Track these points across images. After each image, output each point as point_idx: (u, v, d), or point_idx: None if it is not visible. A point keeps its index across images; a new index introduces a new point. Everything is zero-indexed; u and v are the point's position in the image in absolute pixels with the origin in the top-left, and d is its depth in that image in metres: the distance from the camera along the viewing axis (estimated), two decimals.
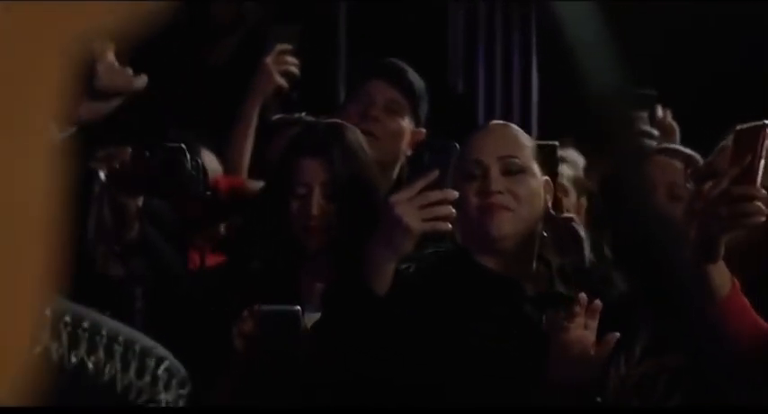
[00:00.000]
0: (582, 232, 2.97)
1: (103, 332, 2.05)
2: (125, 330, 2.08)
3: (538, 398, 2.42)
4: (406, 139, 3.22)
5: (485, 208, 2.52)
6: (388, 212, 2.38)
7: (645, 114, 3.95)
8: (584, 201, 3.55)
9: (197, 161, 3.16)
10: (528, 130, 5.58)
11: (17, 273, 0.54)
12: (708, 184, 2.36)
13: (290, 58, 3.82)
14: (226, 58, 4.44)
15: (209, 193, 3.29)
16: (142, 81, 2.45)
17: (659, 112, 4.04)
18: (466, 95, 5.75)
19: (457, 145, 2.51)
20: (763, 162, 2.31)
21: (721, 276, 2.31)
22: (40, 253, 0.54)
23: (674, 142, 3.85)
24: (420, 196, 2.38)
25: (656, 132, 3.96)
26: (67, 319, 1.97)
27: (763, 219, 2.29)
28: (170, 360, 2.18)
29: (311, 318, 2.57)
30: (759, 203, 2.27)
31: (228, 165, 3.68)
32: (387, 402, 2.41)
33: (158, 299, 3.03)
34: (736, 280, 2.34)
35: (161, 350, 2.19)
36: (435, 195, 2.39)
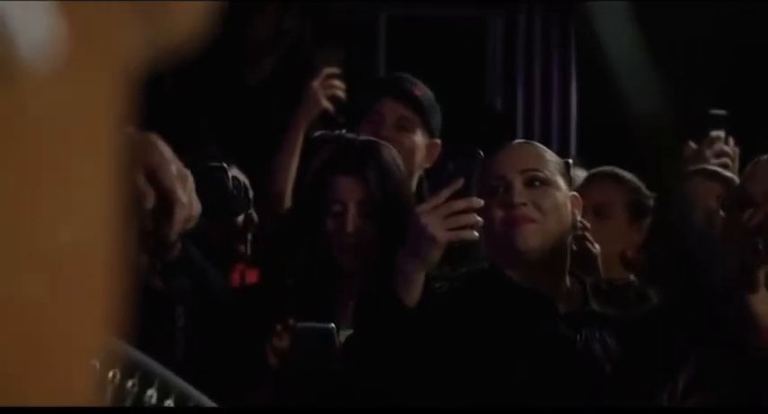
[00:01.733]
0: (595, 249, 2.98)
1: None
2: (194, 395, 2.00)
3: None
4: (421, 153, 3.27)
5: (509, 221, 2.52)
6: (414, 222, 2.41)
7: (721, 134, 3.88)
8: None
9: (239, 180, 3.18)
10: (567, 149, 5.61)
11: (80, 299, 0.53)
12: (746, 213, 2.36)
13: (337, 82, 3.84)
14: (265, 77, 4.47)
15: (250, 212, 3.31)
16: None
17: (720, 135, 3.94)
18: (505, 113, 5.77)
19: (481, 153, 2.52)
20: None
21: (763, 305, 2.31)
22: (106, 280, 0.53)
23: (733, 167, 3.79)
24: (445, 205, 2.40)
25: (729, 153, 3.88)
26: (135, 381, 1.87)
27: None
28: None
29: (346, 335, 2.58)
30: None
31: (274, 187, 3.70)
32: (414, 411, 2.42)
33: (200, 317, 3.05)
34: None
35: None
36: (460, 204, 2.40)
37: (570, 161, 2.96)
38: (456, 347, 2.45)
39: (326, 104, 3.80)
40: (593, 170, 3.40)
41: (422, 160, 3.26)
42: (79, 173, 0.51)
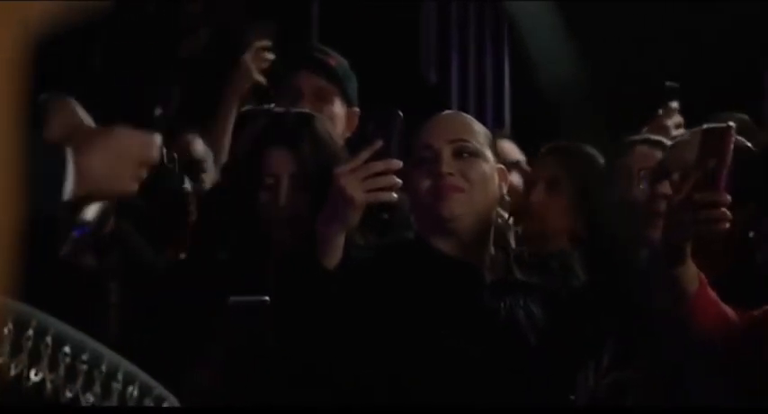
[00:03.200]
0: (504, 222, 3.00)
1: (103, 368, 1.94)
2: (123, 364, 2.00)
3: (493, 386, 2.44)
4: (341, 123, 3.27)
5: (436, 190, 2.53)
6: (333, 184, 2.41)
7: (675, 105, 3.92)
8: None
9: (173, 155, 3.16)
10: (501, 122, 5.63)
11: None
12: (672, 185, 2.37)
13: (269, 55, 3.83)
14: (198, 50, 4.44)
15: (184, 186, 3.29)
16: None
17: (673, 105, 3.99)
18: (439, 86, 5.77)
19: (400, 113, 2.52)
20: (727, 166, 2.29)
21: (688, 274, 2.33)
22: None
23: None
24: (363, 167, 2.41)
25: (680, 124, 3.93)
26: (48, 340, 1.86)
27: (728, 225, 2.29)
28: (169, 400, 2.14)
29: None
30: (723, 209, 2.28)
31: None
32: (339, 380, 2.42)
33: (133, 293, 3.03)
34: (702, 275, 2.35)
35: (162, 390, 2.13)
36: (378, 166, 2.41)
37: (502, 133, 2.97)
38: (380, 315, 2.46)
39: (258, 77, 3.79)
40: (550, 144, 3.41)
41: (342, 130, 3.27)
42: None
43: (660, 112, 3.90)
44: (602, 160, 3.30)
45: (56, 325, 1.87)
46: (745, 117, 3.82)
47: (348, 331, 2.44)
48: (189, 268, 2.95)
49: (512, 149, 4.23)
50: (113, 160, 1.88)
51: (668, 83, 3.94)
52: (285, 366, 2.49)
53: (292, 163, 2.72)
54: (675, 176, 2.51)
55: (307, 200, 2.70)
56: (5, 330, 1.68)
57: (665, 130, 3.73)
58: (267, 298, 2.54)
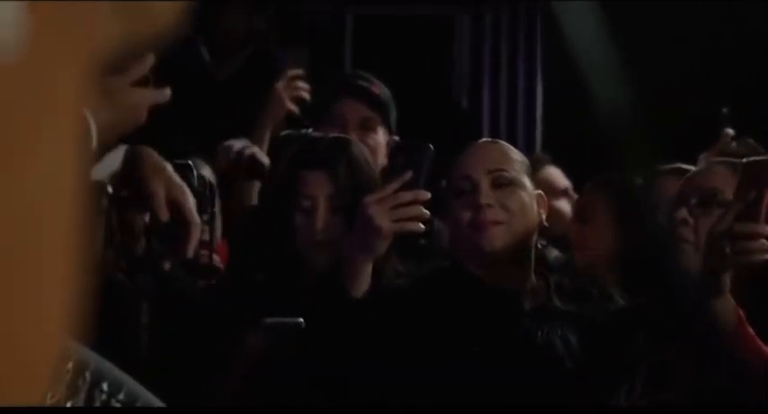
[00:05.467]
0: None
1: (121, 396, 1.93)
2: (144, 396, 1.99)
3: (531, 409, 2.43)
4: (383, 151, 3.28)
5: (476, 222, 2.53)
6: (361, 213, 2.42)
7: (730, 131, 3.89)
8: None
9: (204, 178, 3.17)
10: (532, 147, 5.62)
11: (38, 285, 0.52)
12: (712, 215, 2.37)
13: (301, 84, 3.84)
14: (232, 74, 4.46)
15: (215, 210, 3.29)
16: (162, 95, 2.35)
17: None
18: (471, 111, 5.77)
19: (431, 146, 2.54)
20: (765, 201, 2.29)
21: (727, 308, 2.32)
22: (66, 269, 0.53)
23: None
24: (391, 197, 2.42)
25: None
26: (87, 376, 1.86)
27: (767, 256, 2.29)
28: None
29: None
30: (764, 241, 2.27)
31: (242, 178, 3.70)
32: (369, 404, 2.42)
33: (165, 314, 3.04)
34: (741, 311, 2.34)
35: None
36: (406, 196, 2.42)
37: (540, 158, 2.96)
38: (416, 342, 2.45)
39: (291, 106, 3.80)
40: (596, 176, 3.42)
41: (383, 159, 3.28)
42: (43, 164, 0.51)
43: (723, 137, 3.87)
44: (645, 191, 3.29)
45: (98, 362, 1.87)
46: (752, 141, 3.81)
47: (381, 359, 2.43)
48: (224, 291, 2.95)
49: (558, 176, 4.22)
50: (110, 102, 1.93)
51: (724, 109, 3.92)
52: (313, 393, 2.49)
53: (329, 186, 2.73)
54: (694, 201, 2.52)
55: (342, 224, 2.70)
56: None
57: (725, 155, 3.71)
58: (301, 319, 2.55)
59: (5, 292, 0.50)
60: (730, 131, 3.89)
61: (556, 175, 4.22)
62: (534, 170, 2.87)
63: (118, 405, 1.85)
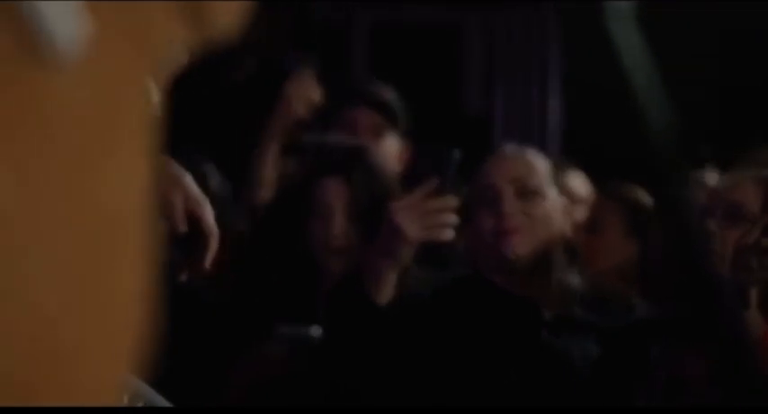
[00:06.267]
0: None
1: None
2: None
3: None
4: (395, 157, 3.27)
5: (499, 231, 2.51)
6: (387, 220, 2.40)
7: None
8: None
9: (218, 184, 3.15)
10: (545, 153, 5.58)
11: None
12: (739, 229, 2.35)
13: (312, 88, 3.82)
14: (243, 78, 4.45)
15: (227, 218, 3.27)
16: None
17: None
18: (483, 116, 5.75)
19: (457, 151, 2.51)
20: None
21: (753, 322, 2.30)
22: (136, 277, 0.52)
23: None
24: (419, 204, 2.39)
25: None
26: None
27: None
28: None
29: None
30: None
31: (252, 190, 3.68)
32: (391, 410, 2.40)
33: (181, 325, 3.02)
34: (766, 325, 2.33)
35: None
36: (434, 203, 2.40)
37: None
38: (437, 350, 2.44)
39: (301, 110, 3.79)
40: (608, 185, 3.39)
41: (396, 165, 3.27)
42: (113, 174, 0.50)
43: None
44: (670, 202, 3.25)
45: (148, 394, 1.84)
46: None
47: (402, 368, 2.41)
48: (239, 297, 2.94)
49: (581, 184, 4.19)
50: None
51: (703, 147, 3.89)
52: (329, 395, 2.47)
53: (346, 193, 2.71)
54: (720, 214, 2.49)
55: (359, 231, 2.69)
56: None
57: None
58: (317, 330, 2.52)
59: (80, 305, 0.49)
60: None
61: (578, 182, 4.19)
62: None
63: None
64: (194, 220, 2.14)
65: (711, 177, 3.30)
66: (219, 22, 0.55)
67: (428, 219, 2.39)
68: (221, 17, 0.55)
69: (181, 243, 3.09)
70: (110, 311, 0.50)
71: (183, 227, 2.13)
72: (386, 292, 2.41)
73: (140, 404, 1.72)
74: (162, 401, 1.79)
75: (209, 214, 2.13)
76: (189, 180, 2.17)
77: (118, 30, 0.50)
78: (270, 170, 3.70)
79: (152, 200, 0.52)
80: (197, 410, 2.51)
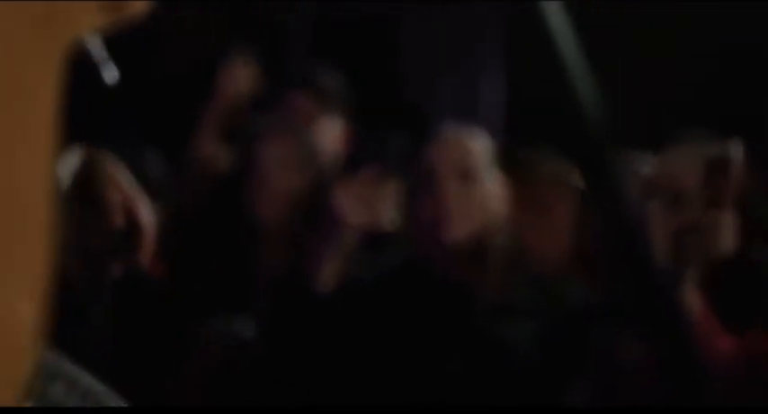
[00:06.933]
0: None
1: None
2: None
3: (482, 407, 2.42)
4: (334, 141, 3.28)
5: (437, 215, 2.51)
6: (329, 206, 2.40)
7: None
8: None
9: (156, 165, 3.14)
10: (492, 136, 5.59)
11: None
12: (676, 210, 2.37)
13: (248, 73, 3.82)
14: (184, 66, 4.44)
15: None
16: None
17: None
18: (424, 102, 5.75)
19: (398, 136, 2.52)
20: (732, 193, 2.31)
21: (691, 304, 2.32)
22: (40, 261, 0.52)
23: None
24: (358, 190, 2.39)
25: None
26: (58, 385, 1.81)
27: (731, 251, 2.30)
28: None
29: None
30: (727, 233, 2.29)
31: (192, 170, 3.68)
32: (327, 401, 2.40)
33: (119, 317, 3.00)
34: (703, 302, 2.34)
35: None
36: (373, 189, 2.39)
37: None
38: (375, 336, 2.43)
39: (239, 96, 3.78)
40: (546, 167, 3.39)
41: (335, 147, 3.27)
42: (18, 163, 0.50)
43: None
44: (611, 183, 3.27)
45: (71, 372, 1.81)
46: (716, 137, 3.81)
47: (342, 354, 2.41)
48: (177, 285, 2.92)
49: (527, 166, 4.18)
50: None
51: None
52: (271, 384, 2.47)
53: (282, 174, 2.71)
54: (659, 195, 2.52)
55: (297, 214, 2.67)
56: None
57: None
58: (251, 334, 2.50)
59: None
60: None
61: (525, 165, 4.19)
62: (504, 161, 2.84)
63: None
64: (130, 213, 2.14)
65: (647, 160, 3.32)
66: (130, 6, 0.56)
67: (369, 204, 2.38)
68: (134, 6, 0.57)
69: (117, 236, 3.08)
70: (10, 311, 0.50)
71: (119, 221, 2.14)
72: (327, 279, 2.40)
73: (58, 383, 1.70)
74: (92, 381, 1.77)
75: (143, 208, 2.14)
76: (124, 174, 2.18)
77: (25, 16, 0.50)
78: (208, 153, 3.70)
79: (56, 184, 0.53)
80: (196, 410, 2.49)
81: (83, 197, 2.53)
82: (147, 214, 2.11)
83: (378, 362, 2.42)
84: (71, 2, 0.53)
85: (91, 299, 2.94)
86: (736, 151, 2.38)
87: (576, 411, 2.47)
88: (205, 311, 2.61)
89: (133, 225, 2.14)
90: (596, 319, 2.52)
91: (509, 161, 2.70)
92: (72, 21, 0.52)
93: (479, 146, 2.65)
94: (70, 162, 2.87)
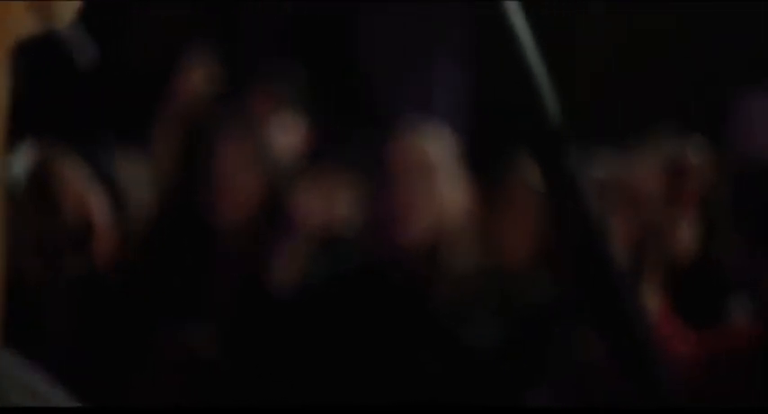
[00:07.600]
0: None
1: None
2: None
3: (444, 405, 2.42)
4: (296, 137, 3.27)
5: (395, 212, 2.50)
6: (285, 206, 2.41)
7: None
8: None
9: (115, 164, 3.13)
10: (453, 135, 5.59)
11: None
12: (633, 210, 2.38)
13: (208, 71, 3.80)
14: (144, 62, 4.43)
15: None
16: None
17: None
18: (384, 98, 5.75)
19: (354, 136, 2.53)
20: (691, 193, 2.33)
21: (650, 304, 2.32)
22: None
23: None
24: (315, 189, 2.39)
25: None
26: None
27: (690, 248, 2.31)
28: None
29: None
30: (685, 233, 2.30)
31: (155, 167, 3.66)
32: (287, 402, 2.39)
33: (78, 315, 2.98)
34: (664, 303, 2.35)
35: None
36: (330, 188, 2.39)
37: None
38: (334, 337, 2.43)
39: (197, 95, 3.77)
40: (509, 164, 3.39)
41: (297, 144, 3.26)
42: None
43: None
44: (572, 183, 3.26)
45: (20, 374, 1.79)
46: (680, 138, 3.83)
47: (301, 355, 2.40)
48: (135, 284, 2.90)
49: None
50: None
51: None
52: (231, 385, 2.46)
53: (239, 175, 2.69)
54: (619, 195, 2.52)
55: (254, 214, 2.66)
56: None
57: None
58: (203, 332, 2.48)
59: None
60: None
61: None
62: (467, 160, 2.84)
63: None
64: (84, 211, 2.13)
65: (608, 160, 3.33)
66: (61, 14, 0.58)
67: (327, 204, 2.39)
68: (63, 10, 0.59)
69: (71, 234, 3.06)
70: None
71: (73, 218, 2.12)
72: (285, 279, 2.40)
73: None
74: (39, 381, 1.76)
75: (99, 205, 2.13)
76: (81, 171, 2.17)
77: None
78: (167, 155, 3.68)
79: (6, 183, 0.52)
80: (193, 410, 2.48)
81: (37, 194, 2.51)
82: (102, 212, 2.10)
83: (337, 362, 2.42)
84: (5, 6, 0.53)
85: (46, 297, 2.92)
86: (696, 150, 2.38)
87: (537, 411, 2.47)
88: (162, 313, 2.59)
89: (87, 223, 2.13)
90: (559, 318, 2.52)
91: (472, 160, 2.70)
92: (8, 25, 0.53)
93: (439, 144, 2.65)
94: (25, 159, 2.84)
